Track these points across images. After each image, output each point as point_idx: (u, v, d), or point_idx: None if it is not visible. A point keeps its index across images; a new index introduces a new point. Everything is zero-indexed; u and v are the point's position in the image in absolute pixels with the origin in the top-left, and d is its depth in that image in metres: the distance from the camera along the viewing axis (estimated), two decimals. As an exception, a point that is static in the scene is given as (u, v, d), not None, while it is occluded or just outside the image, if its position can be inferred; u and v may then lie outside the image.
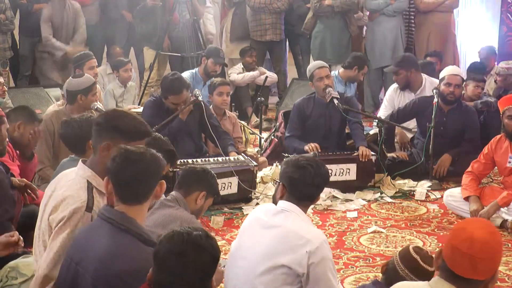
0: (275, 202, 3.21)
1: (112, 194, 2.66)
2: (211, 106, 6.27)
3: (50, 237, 2.87)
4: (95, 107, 5.34)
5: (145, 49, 8.84)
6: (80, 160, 3.04)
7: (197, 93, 5.85)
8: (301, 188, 3.11)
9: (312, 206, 3.98)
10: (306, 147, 5.88)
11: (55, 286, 2.74)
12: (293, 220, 3.06)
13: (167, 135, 5.34)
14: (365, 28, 9.17)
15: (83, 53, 6.85)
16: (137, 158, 2.61)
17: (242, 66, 8.69)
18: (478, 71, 7.58)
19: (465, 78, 6.71)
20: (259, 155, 6.29)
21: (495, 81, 7.59)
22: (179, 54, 8.43)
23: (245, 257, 3.09)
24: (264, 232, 3.07)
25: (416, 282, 2.68)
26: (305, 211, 3.15)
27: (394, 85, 7.02)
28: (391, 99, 6.94)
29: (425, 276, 2.98)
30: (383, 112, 6.88)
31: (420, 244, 4.71)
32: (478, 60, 8.32)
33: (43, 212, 3.00)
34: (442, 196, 5.59)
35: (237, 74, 8.61)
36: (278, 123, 6.87)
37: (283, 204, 3.12)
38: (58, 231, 2.84)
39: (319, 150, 5.84)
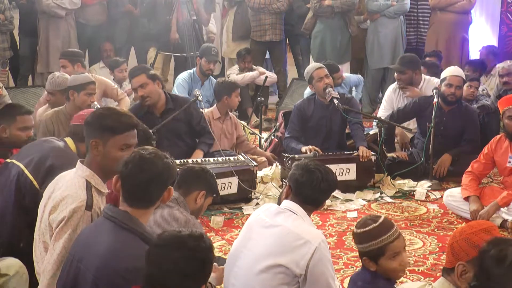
0: (280, 202, 3.22)
1: (119, 192, 2.68)
2: (216, 106, 6.24)
3: (52, 238, 2.86)
4: (95, 107, 5.35)
5: (152, 50, 8.79)
6: (79, 160, 3.04)
7: (197, 93, 5.84)
8: (307, 191, 3.11)
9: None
10: (303, 149, 5.88)
11: (57, 283, 2.75)
12: (293, 220, 3.06)
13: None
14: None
15: (62, 51, 6.84)
16: (148, 166, 2.63)
17: (238, 68, 8.70)
18: (475, 68, 7.58)
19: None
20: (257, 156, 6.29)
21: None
22: (179, 54, 8.43)
23: (244, 256, 3.09)
24: (264, 232, 3.07)
25: (417, 282, 2.68)
26: (309, 215, 3.15)
27: (393, 86, 7.01)
28: (390, 99, 6.93)
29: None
30: (382, 112, 6.87)
31: (420, 244, 4.72)
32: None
33: (43, 213, 3.00)
34: (442, 196, 5.58)
35: (236, 74, 8.61)
36: (278, 123, 6.87)
37: (286, 203, 3.14)
38: (60, 232, 2.83)
39: (318, 151, 5.83)
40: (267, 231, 3.06)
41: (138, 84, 5.58)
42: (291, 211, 3.09)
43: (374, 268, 2.93)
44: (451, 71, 6.25)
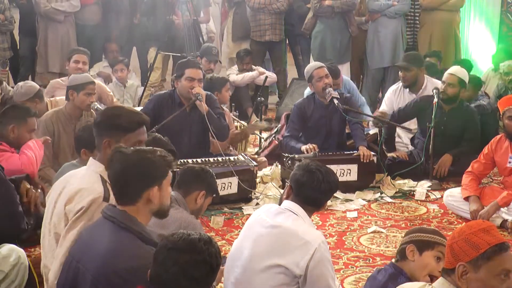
0: (281, 202, 3.23)
1: None
2: None
3: (66, 227, 2.92)
4: (95, 107, 5.35)
5: (152, 49, 8.79)
6: (91, 157, 3.13)
7: (197, 92, 5.83)
8: (307, 191, 3.12)
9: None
10: (303, 148, 5.87)
11: (57, 284, 2.76)
12: (293, 220, 3.07)
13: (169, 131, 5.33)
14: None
15: (73, 48, 6.86)
16: (120, 158, 2.65)
17: (237, 69, 8.70)
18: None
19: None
20: (257, 156, 6.29)
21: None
22: (179, 54, 8.42)
23: (244, 256, 3.10)
24: (264, 232, 3.08)
25: (417, 283, 2.68)
26: (309, 216, 3.15)
27: (394, 86, 7.01)
28: (390, 101, 6.92)
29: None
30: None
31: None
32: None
33: (53, 208, 3.05)
34: (442, 196, 5.59)
35: (236, 74, 8.60)
36: (280, 125, 6.85)
37: (287, 204, 3.15)
38: (75, 221, 2.89)
39: (317, 150, 5.82)
40: (267, 231, 3.07)
41: (199, 77, 5.60)
42: (291, 211, 3.10)
43: (413, 259, 3.06)
44: (450, 69, 6.29)
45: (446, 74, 6.17)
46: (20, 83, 5.86)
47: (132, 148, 2.72)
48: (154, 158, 2.66)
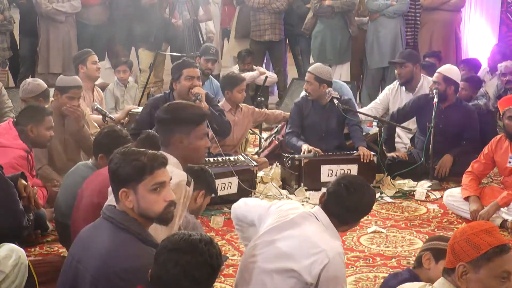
0: None
1: None
2: (222, 102, 6.19)
3: None
4: (95, 107, 5.35)
5: (141, 50, 8.80)
6: (166, 153, 3.14)
7: (196, 92, 5.82)
8: (331, 204, 3.12)
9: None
10: (303, 147, 5.87)
11: (58, 284, 2.76)
12: (315, 227, 3.05)
13: None
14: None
15: (84, 50, 6.87)
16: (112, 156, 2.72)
17: (238, 68, 8.69)
18: (470, 66, 7.60)
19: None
20: (257, 156, 6.28)
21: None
22: (179, 54, 8.42)
23: (260, 253, 3.07)
24: (285, 234, 3.05)
25: (417, 283, 2.68)
26: (338, 229, 3.11)
27: (391, 86, 7.03)
28: (385, 97, 6.96)
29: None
30: (369, 106, 6.96)
31: (420, 244, 4.71)
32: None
33: None
34: (442, 196, 5.58)
35: (236, 74, 8.59)
36: (280, 125, 6.85)
37: (315, 209, 3.15)
38: None
39: (319, 151, 5.81)
40: (288, 233, 3.04)
41: (197, 75, 5.62)
42: (316, 217, 3.09)
43: (428, 267, 3.08)
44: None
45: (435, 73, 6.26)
46: (29, 80, 5.85)
47: (128, 148, 2.70)
48: (127, 160, 2.61)
